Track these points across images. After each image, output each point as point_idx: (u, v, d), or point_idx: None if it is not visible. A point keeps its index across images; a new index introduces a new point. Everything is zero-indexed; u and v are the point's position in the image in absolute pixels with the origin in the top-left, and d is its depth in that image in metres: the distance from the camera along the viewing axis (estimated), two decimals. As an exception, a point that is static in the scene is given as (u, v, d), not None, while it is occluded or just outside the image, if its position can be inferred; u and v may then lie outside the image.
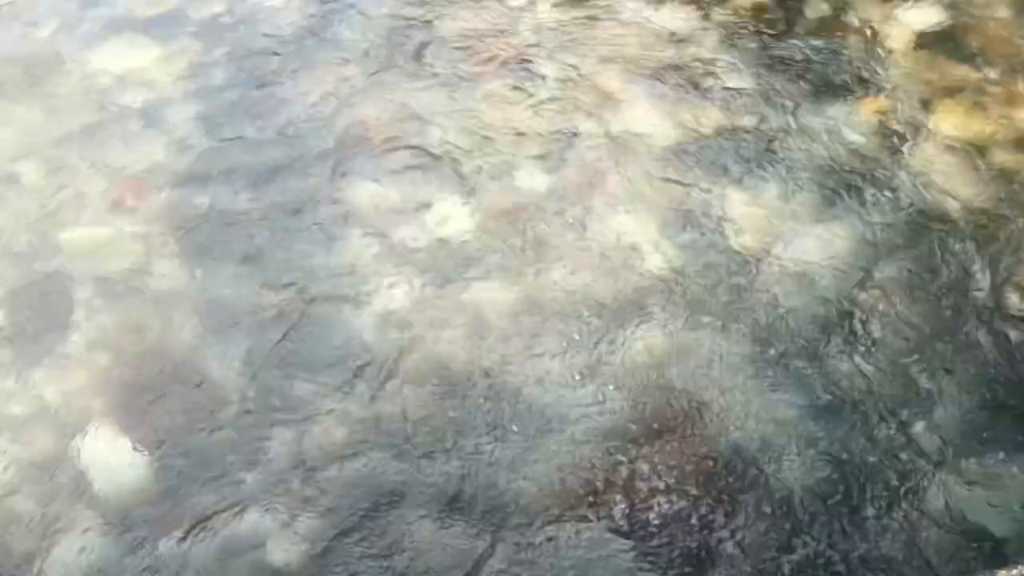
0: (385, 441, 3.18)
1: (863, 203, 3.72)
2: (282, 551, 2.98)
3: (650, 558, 2.95)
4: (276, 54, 4.25)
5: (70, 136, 3.97)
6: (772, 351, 3.35)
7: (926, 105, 4.03)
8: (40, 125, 4.00)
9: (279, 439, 3.18)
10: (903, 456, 3.11)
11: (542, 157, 3.91)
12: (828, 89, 4.11)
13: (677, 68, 4.20)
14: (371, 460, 3.14)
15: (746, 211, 3.72)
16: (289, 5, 4.43)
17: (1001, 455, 3.09)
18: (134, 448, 3.17)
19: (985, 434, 3.14)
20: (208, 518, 3.03)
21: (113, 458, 3.16)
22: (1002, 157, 3.83)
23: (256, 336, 3.41)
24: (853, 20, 4.38)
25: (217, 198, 3.77)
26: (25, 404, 3.27)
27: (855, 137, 3.94)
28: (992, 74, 4.12)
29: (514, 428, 3.20)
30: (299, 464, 3.13)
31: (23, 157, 3.89)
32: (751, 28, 4.36)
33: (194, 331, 3.43)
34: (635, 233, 3.67)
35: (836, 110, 4.03)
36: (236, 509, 3.05)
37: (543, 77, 4.18)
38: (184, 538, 3.00)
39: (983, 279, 3.49)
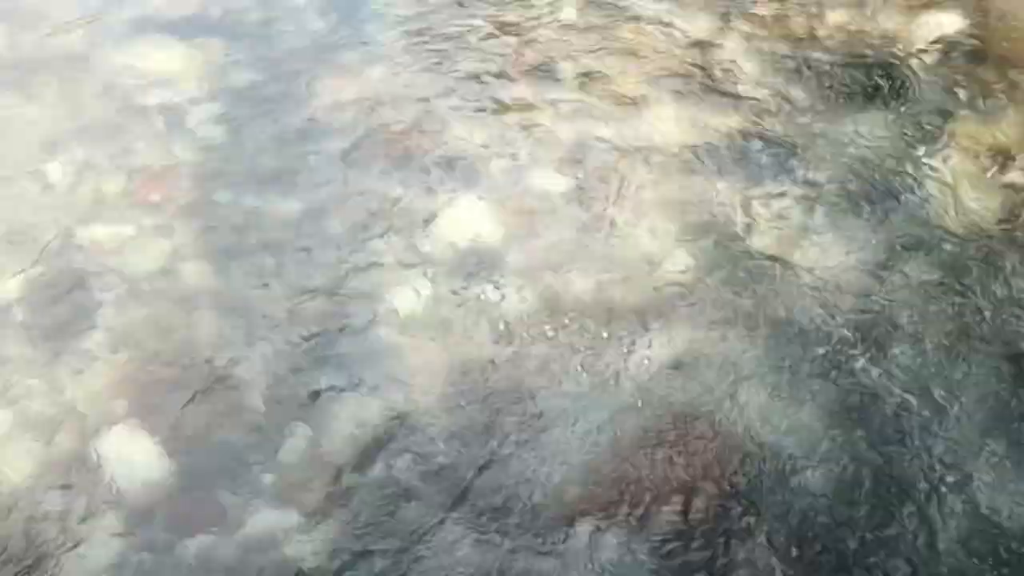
0: (404, 442, 3.19)
1: (883, 211, 3.72)
2: (302, 550, 2.99)
3: (666, 562, 2.95)
4: (299, 54, 4.26)
5: (94, 134, 3.98)
6: (791, 357, 3.34)
7: (948, 113, 4.02)
8: (65, 123, 4.02)
9: (299, 439, 3.19)
10: (922, 464, 3.10)
11: (562, 160, 3.91)
12: (849, 95, 4.10)
13: (698, 73, 4.20)
14: (390, 461, 3.15)
15: (766, 217, 3.72)
16: (312, 5, 4.44)
17: (1020, 463, 3.09)
18: (156, 446, 3.19)
19: (1005, 442, 3.14)
20: (229, 517, 3.04)
21: (135, 456, 3.17)
22: (1024, 166, 3.83)
23: (277, 335, 3.43)
24: (875, 26, 4.36)
25: (240, 197, 3.79)
26: (48, 401, 3.28)
27: (876, 144, 3.92)
28: (1016, 82, 4.10)
29: (532, 430, 3.21)
30: (319, 464, 3.14)
31: (48, 155, 3.91)
32: (772, 34, 4.35)
33: (215, 330, 3.44)
34: (654, 237, 3.67)
35: (857, 117, 4.02)
36: (256, 508, 3.06)
37: (564, 80, 4.18)
38: (205, 536, 3.01)
39: (1004, 289, 3.48)
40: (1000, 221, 3.67)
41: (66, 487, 3.11)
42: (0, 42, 4.31)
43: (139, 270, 3.60)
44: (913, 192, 3.76)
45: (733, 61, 4.25)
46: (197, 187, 3.83)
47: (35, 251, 3.63)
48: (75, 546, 3.00)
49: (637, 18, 4.42)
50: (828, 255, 3.60)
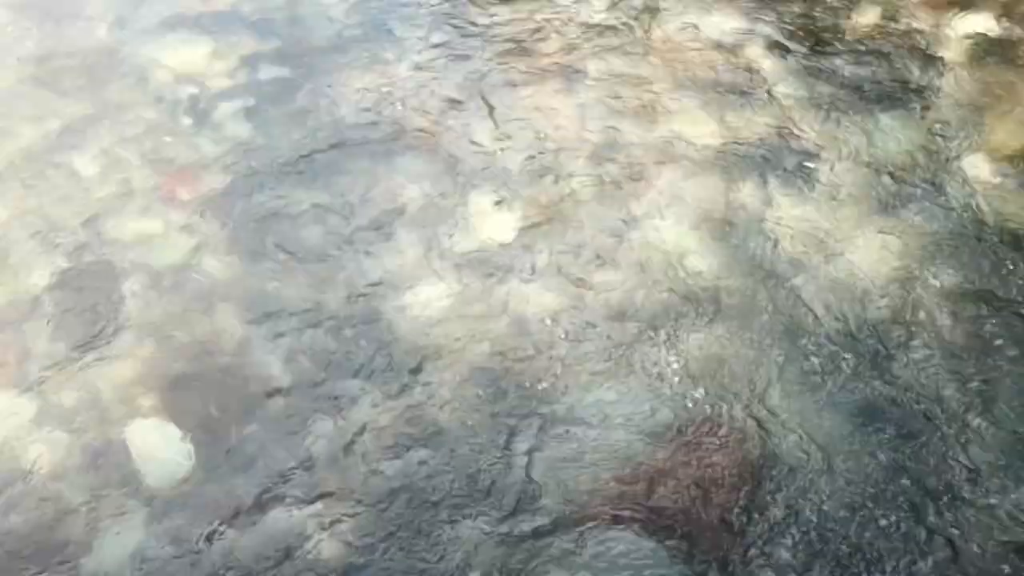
0: (426, 438, 3.20)
1: (910, 213, 3.70)
2: (323, 545, 3.00)
3: (685, 563, 2.94)
4: (326, 50, 4.28)
5: (122, 129, 4.01)
6: (814, 359, 3.33)
7: (977, 115, 4.00)
8: (94, 119, 4.05)
9: (322, 434, 3.21)
10: (947, 468, 3.08)
11: (587, 160, 3.91)
12: (877, 97, 4.08)
13: (725, 74, 4.19)
14: (412, 456, 3.16)
15: (791, 219, 3.71)
16: (340, 2, 4.46)
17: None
18: (180, 439, 3.21)
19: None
20: (251, 510, 3.06)
21: (159, 449, 3.20)
22: (1054, 169, 3.80)
23: (301, 331, 3.44)
24: (905, 28, 4.34)
25: (265, 193, 3.81)
26: (74, 393, 3.31)
27: (905, 145, 3.90)
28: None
29: (554, 429, 3.21)
30: (341, 459, 3.16)
31: (77, 150, 3.94)
32: (800, 35, 4.34)
33: (240, 324, 3.46)
34: (679, 238, 3.67)
35: (885, 118, 4.00)
36: (279, 502, 3.08)
37: (590, 79, 4.18)
38: (227, 529, 3.03)
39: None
40: (1029, 223, 3.65)
41: (91, 478, 3.13)
42: (32, 37, 4.35)
43: (165, 264, 3.62)
44: (941, 194, 3.74)
45: (759, 61, 4.24)
46: (223, 182, 3.85)
47: (63, 244, 3.66)
48: (99, 537, 3.02)
49: (663, 17, 4.41)
50: (854, 257, 3.59)
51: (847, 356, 3.34)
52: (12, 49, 4.28)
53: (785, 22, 4.39)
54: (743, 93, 4.13)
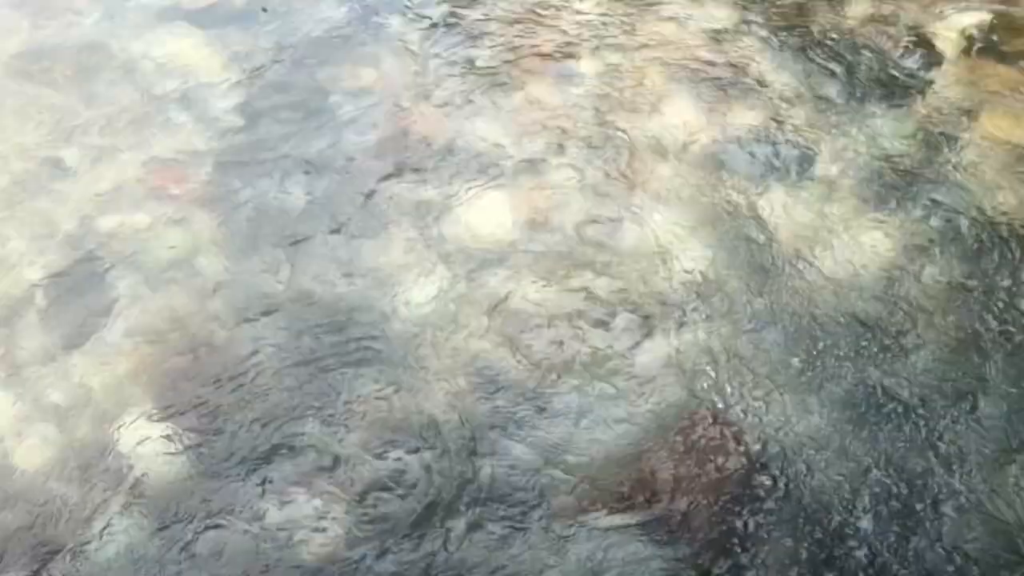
0: (417, 435, 3.20)
1: (905, 206, 3.69)
2: (314, 543, 3.00)
3: (677, 557, 2.95)
4: (320, 45, 4.27)
5: (112, 123, 4.01)
6: (808, 355, 3.33)
7: (971, 108, 3.98)
8: (83, 112, 4.04)
9: (315, 431, 3.21)
10: (941, 463, 3.09)
11: (580, 154, 3.90)
12: (871, 90, 4.07)
13: (718, 67, 4.17)
14: (404, 453, 3.16)
15: (785, 213, 3.70)
16: (335, -4, 4.48)
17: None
18: (172, 435, 3.21)
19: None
20: (245, 506, 3.06)
21: (150, 445, 3.20)
22: (1049, 162, 3.80)
23: (294, 326, 3.44)
24: (898, 21, 4.32)
25: (257, 188, 3.80)
26: (65, 390, 3.31)
27: (898, 139, 3.90)
28: (1040, 78, 4.07)
29: (542, 424, 3.21)
30: (334, 456, 3.16)
31: (66, 144, 3.94)
32: (793, 27, 4.33)
33: (232, 320, 3.46)
34: (671, 233, 3.66)
35: (879, 111, 3.99)
36: (270, 499, 3.08)
37: (583, 74, 4.17)
38: (219, 526, 3.03)
39: (1026, 284, 3.47)
40: None
41: (83, 476, 3.14)
42: (21, 30, 4.34)
43: (157, 259, 3.62)
44: (936, 188, 3.73)
45: (753, 54, 4.23)
46: (215, 176, 3.84)
47: (53, 240, 3.66)
48: (91, 535, 3.03)
49: (656, 10, 4.40)
50: (848, 251, 3.58)
51: (843, 351, 3.33)
52: (1, 43, 4.26)
53: (778, 14, 4.37)
54: (736, 86, 4.11)
